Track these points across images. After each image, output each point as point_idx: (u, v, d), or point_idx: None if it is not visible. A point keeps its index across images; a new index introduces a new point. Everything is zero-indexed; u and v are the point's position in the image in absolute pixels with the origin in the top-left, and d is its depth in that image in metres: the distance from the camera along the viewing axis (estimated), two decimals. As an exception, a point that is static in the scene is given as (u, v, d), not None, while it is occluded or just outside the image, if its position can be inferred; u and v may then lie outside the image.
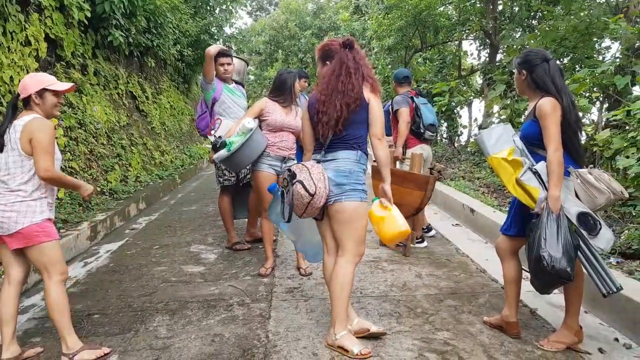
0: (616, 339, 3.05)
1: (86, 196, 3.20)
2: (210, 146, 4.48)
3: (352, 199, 2.88)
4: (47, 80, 3.00)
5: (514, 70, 3.10)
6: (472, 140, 13.12)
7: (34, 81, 2.97)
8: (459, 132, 13.27)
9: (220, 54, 4.94)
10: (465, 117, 16.44)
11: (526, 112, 3.04)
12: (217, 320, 3.46)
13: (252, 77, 37.41)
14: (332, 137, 2.95)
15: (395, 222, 2.99)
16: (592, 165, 2.99)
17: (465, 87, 15.52)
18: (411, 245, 5.03)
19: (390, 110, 5.34)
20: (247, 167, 4.67)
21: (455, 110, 12.24)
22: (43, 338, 3.28)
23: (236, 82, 5.29)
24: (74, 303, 3.83)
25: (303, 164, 2.93)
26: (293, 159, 4.43)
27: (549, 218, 2.67)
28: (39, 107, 2.95)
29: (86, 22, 7.54)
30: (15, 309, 2.95)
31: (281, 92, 4.35)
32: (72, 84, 3.11)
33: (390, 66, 16.08)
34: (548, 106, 2.75)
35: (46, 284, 2.92)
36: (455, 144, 13.10)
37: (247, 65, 5.79)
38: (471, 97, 14.62)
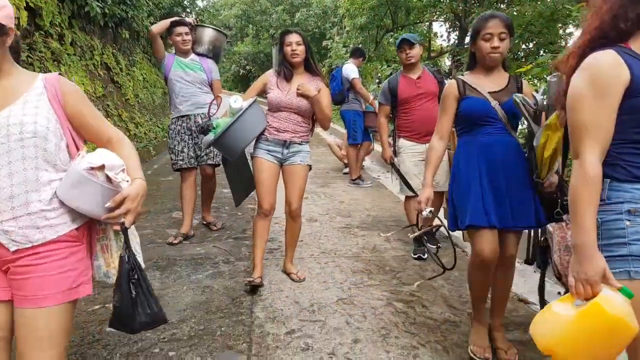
0: (559, 293, 3.50)
1: None
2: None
3: None
4: None
5: None
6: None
7: None
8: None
9: (175, 23, 4.54)
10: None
11: None
12: (205, 275, 3.79)
13: (220, 52, 37.09)
14: None
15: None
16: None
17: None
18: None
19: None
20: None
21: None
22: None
23: (201, 55, 4.72)
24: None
25: None
26: (299, 144, 3.60)
27: None
28: None
29: (63, -8, 7.60)
30: None
31: (278, 60, 3.66)
32: None
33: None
34: None
35: None
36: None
37: (225, 36, 5.19)
38: (439, 78, 15.06)
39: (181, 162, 4.61)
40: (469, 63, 2.69)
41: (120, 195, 1.69)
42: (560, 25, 8.71)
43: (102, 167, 1.70)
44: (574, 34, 9.46)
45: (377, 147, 8.52)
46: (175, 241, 4.51)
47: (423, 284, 3.59)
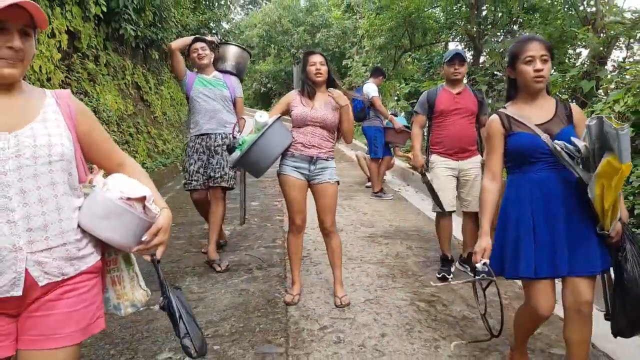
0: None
1: None
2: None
3: None
4: None
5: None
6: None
7: None
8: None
9: (194, 40, 4.41)
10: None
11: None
12: (240, 280, 4.11)
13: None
14: None
15: None
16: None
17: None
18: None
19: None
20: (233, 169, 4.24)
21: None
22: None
23: (223, 72, 4.60)
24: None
25: None
26: (326, 159, 3.61)
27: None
28: None
29: (100, 16, 8.09)
30: None
31: (301, 79, 3.74)
32: None
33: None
34: None
35: None
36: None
37: (250, 55, 5.11)
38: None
39: (195, 183, 4.44)
40: (510, 92, 2.50)
41: (155, 227, 1.61)
42: (568, 46, 9.02)
43: (142, 199, 1.59)
44: (582, 55, 9.81)
45: (397, 162, 8.85)
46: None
47: (459, 344, 3.18)
